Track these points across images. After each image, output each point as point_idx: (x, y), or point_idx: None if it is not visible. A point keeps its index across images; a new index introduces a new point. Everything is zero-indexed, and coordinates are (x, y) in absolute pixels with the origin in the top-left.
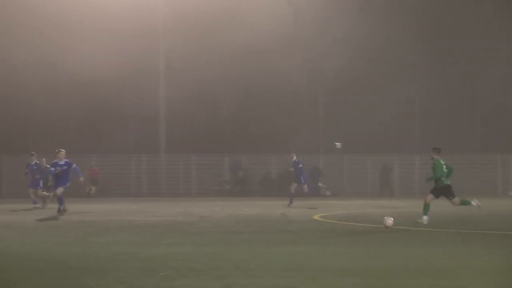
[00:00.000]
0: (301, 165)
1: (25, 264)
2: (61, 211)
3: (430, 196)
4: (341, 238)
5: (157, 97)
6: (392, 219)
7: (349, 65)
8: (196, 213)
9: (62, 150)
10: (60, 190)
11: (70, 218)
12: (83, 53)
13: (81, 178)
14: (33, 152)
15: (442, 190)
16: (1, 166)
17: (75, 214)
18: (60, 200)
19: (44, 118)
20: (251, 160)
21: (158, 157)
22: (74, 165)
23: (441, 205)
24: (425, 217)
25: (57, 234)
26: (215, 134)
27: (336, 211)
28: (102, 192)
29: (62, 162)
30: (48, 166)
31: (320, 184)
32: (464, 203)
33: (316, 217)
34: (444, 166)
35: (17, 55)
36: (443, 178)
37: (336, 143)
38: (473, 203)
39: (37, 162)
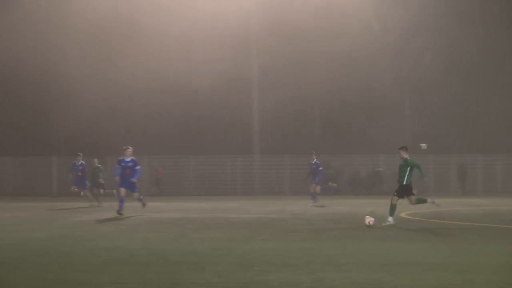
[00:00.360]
0: (321, 168)
1: (131, 259)
2: (121, 213)
3: (395, 198)
4: (427, 234)
5: (252, 101)
6: (373, 219)
7: (433, 68)
8: (289, 211)
9: (129, 147)
10: (123, 192)
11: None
12: (183, 63)
13: (134, 180)
14: (79, 153)
15: (403, 189)
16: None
17: (178, 211)
18: (141, 200)
19: (148, 125)
20: (340, 161)
21: (252, 158)
22: (138, 167)
23: None
24: (390, 218)
25: (160, 230)
26: (306, 135)
27: (421, 209)
28: (165, 192)
29: (128, 159)
30: (99, 166)
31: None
32: (421, 201)
33: (403, 214)
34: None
35: (122, 69)
36: (405, 177)
37: (422, 144)
38: (429, 200)
39: (83, 162)
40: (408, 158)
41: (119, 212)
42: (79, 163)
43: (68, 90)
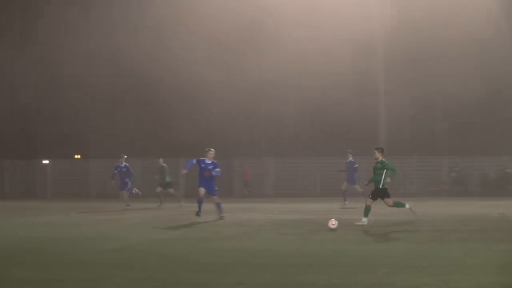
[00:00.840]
0: (356, 166)
1: (252, 260)
2: (222, 217)
3: (370, 200)
4: None
5: (377, 102)
6: (335, 222)
7: None
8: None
9: (212, 149)
10: (216, 199)
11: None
12: (307, 65)
13: (214, 173)
14: (122, 154)
15: (378, 192)
16: (233, 169)
17: (297, 213)
18: (219, 207)
19: (272, 127)
20: (468, 162)
21: None
22: (218, 170)
23: None
24: (364, 219)
25: (280, 231)
26: (433, 136)
27: None
28: (253, 193)
29: (209, 162)
30: (164, 165)
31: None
32: (399, 204)
33: None
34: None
35: (248, 72)
36: (382, 180)
37: None
38: (407, 205)
39: (126, 164)
40: (384, 160)
41: (197, 213)
42: (123, 165)
43: (195, 94)
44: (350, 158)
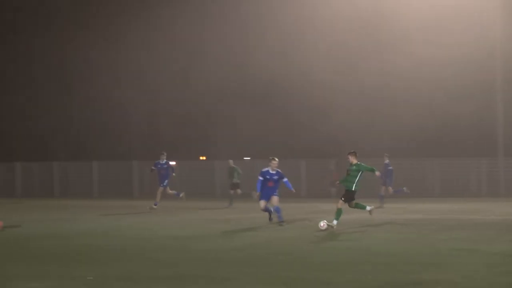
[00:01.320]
0: (389, 168)
1: (372, 259)
2: (282, 223)
3: (341, 202)
4: None
5: (495, 101)
6: (323, 224)
7: None
8: None
9: (275, 158)
10: (275, 201)
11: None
12: (424, 61)
13: (292, 190)
14: (163, 152)
15: (350, 194)
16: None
17: (420, 213)
18: (277, 212)
19: (385, 124)
20: None
21: (496, 160)
22: (285, 179)
23: None
24: (334, 221)
25: (401, 231)
26: None
27: None
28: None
29: (273, 172)
30: (235, 166)
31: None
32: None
33: None
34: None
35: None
36: (355, 183)
37: None
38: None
39: (167, 161)
40: (359, 163)
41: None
42: (163, 162)
43: (320, 100)
44: (386, 161)
